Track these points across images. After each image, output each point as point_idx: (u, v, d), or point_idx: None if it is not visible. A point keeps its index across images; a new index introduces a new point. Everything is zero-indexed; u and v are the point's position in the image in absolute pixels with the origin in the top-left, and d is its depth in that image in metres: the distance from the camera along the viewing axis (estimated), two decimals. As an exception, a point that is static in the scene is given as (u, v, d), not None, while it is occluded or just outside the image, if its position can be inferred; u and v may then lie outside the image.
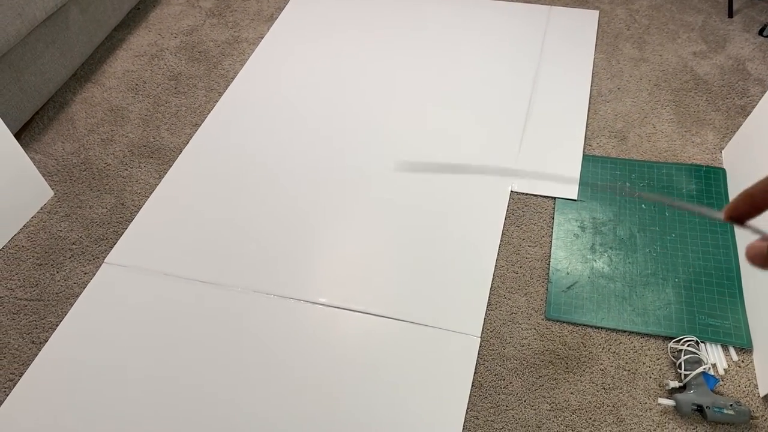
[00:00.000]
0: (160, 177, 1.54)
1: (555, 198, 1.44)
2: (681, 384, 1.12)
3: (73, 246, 1.40)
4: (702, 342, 1.18)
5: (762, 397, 1.11)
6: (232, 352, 1.21)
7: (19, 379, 1.19)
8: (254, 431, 1.10)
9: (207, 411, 1.13)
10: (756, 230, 0.35)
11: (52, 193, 1.51)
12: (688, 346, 1.15)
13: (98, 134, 1.65)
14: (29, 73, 1.54)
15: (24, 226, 1.44)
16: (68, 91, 1.76)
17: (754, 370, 1.15)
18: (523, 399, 1.14)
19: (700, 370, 1.11)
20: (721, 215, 0.36)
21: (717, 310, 1.22)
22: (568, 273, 1.30)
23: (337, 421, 1.11)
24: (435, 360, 1.18)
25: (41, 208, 1.48)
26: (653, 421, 1.10)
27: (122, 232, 1.42)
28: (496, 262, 1.33)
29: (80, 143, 1.63)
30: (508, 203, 1.44)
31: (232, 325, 1.25)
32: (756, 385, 1.13)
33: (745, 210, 0.34)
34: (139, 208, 1.47)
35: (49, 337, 1.25)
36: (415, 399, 1.13)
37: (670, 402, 1.10)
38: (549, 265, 1.32)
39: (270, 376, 1.17)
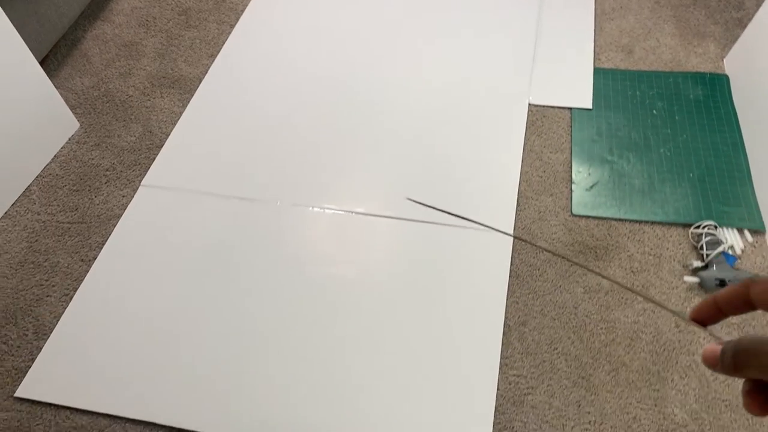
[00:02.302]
0: (184, 105, 1.56)
1: (571, 108, 1.51)
2: (703, 264, 1.21)
3: (107, 172, 1.43)
4: (719, 227, 1.26)
5: (777, 271, 1.20)
6: (276, 262, 1.26)
7: (74, 294, 1.23)
8: (305, 331, 1.16)
9: (251, 319, 1.19)
10: (714, 335, 0.36)
11: (78, 124, 1.52)
12: (707, 229, 1.24)
13: (115, 68, 1.66)
14: (44, 6, 1.54)
15: (55, 156, 1.46)
16: (78, 29, 1.76)
17: (768, 248, 1.24)
18: (558, 285, 1.22)
19: (720, 249, 1.20)
20: (686, 315, 0.38)
21: (731, 199, 1.31)
22: (589, 174, 1.38)
23: (383, 319, 1.18)
24: (473, 256, 1.25)
25: (69, 139, 1.49)
26: (680, 297, 1.19)
27: (154, 158, 1.45)
28: (521, 169, 1.40)
29: (98, 77, 1.64)
30: (527, 115, 1.50)
31: (274, 237, 1.30)
32: (770, 262, 1.22)
33: (708, 314, 0.36)
34: (168, 135, 1.50)
35: (97, 255, 1.29)
36: (457, 291, 1.20)
37: (694, 279, 1.19)
38: (571, 168, 1.39)
39: (316, 283, 1.23)
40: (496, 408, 1.06)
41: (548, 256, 1.26)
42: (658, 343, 1.13)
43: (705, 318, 0.36)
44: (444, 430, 1.04)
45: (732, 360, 0.31)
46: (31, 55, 1.36)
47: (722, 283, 1.18)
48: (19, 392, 1.10)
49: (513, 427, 1.05)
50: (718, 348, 0.32)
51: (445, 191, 1.36)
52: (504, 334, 1.15)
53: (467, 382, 1.09)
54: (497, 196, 1.35)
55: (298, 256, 1.27)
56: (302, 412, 1.06)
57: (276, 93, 1.57)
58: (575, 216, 1.32)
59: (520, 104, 1.52)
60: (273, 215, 1.33)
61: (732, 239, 1.26)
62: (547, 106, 1.52)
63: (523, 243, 1.28)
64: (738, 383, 1.08)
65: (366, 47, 1.67)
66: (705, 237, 1.23)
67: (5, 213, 1.36)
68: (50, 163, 1.45)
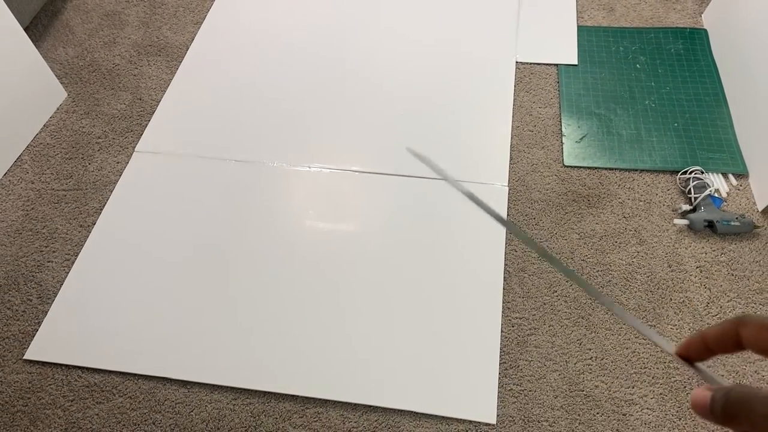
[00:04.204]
0: (172, 72, 1.55)
1: (557, 65, 1.54)
2: (692, 207, 1.26)
3: (99, 140, 1.42)
4: (705, 172, 1.31)
5: (761, 211, 1.25)
6: (275, 221, 1.27)
7: (75, 259, 1.23)
8: (307, 288, 1.18)
9: (252, 277, 1.20)
10: (705, 374, 0.34)
11: (65, 94, 1.50)
12: (694, 174, 1.28)
13: (99, 38, 1.64)
14: (25, -25, 1.52)
15: (44, 125, 1.45)
16: (58, 0, 1.73)
17: (752, 190, 1.29)
18: (554, 232, 1.25)
19: (707, 192, 1.25)
20: (672, 347, 0.36)
21: (714, 146, 1.36)
22: (579, 126, 1.41)
23: (388, 272, 1.20)
24: (469, 208, 1.28)
25: (58, 108, 1.48)
26: (671, 238, 1.23)
27: (146, 124, 1.45)
28: (512, 124, 1.43)
29: (83, 47, 1.62)
30: (515, 73, 1.53)
31: (272, 197, 1.31)
32: (754, 203, 1.27)
33: (697, 351, 0.34)
34: (158, 102, 1.49)
35: (96, 220, 1.28)
36: (456, 242, 1.23)
37: (684, 221, 1.24)
38: (560, 121, 1.43)
39: (316, 240, 1.25)
40: (501, 348, 1.10)
41: (543, 206, 1.29)
42: (652, 283, 1.18)
43: (692, 355, 0.34)
44: (452, 372, 1.07)
45: (722, 412, 0.30)
46: (16, 22, 1.34)
47: (710, 224, 1.23)
48: (29, 354, 1.10)
49: (518, 365, 1.08)
50: (708, 395, 0.31)
51: (439, 147, 1.38)
52: (504, 279, 1.18)
53: (473, 327, 1.12)
54: (491, 150, 1.38)
55: (297, 215, 1.28)
56: (306, 366, 1.08)
57: (266, 56, 1.57)
58: (567, 167, 1.35)
59: (507, 62, 1.54)
60: (270, 176, 1.34)
61: (717, 183, 1.30)
62: (534, 63, 1.55)
63: (518, 193, 1.31)
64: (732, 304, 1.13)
65: (354, 10, 1.67)
66: (692, 181, 1.27)
67: (-2, 182, 1.34)
68: (40, 132, 1.43)
